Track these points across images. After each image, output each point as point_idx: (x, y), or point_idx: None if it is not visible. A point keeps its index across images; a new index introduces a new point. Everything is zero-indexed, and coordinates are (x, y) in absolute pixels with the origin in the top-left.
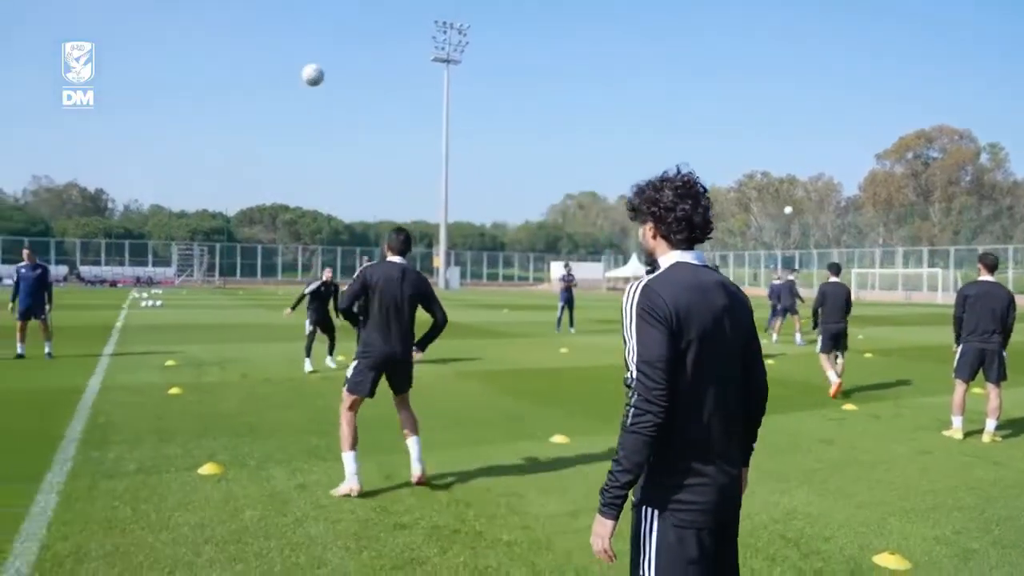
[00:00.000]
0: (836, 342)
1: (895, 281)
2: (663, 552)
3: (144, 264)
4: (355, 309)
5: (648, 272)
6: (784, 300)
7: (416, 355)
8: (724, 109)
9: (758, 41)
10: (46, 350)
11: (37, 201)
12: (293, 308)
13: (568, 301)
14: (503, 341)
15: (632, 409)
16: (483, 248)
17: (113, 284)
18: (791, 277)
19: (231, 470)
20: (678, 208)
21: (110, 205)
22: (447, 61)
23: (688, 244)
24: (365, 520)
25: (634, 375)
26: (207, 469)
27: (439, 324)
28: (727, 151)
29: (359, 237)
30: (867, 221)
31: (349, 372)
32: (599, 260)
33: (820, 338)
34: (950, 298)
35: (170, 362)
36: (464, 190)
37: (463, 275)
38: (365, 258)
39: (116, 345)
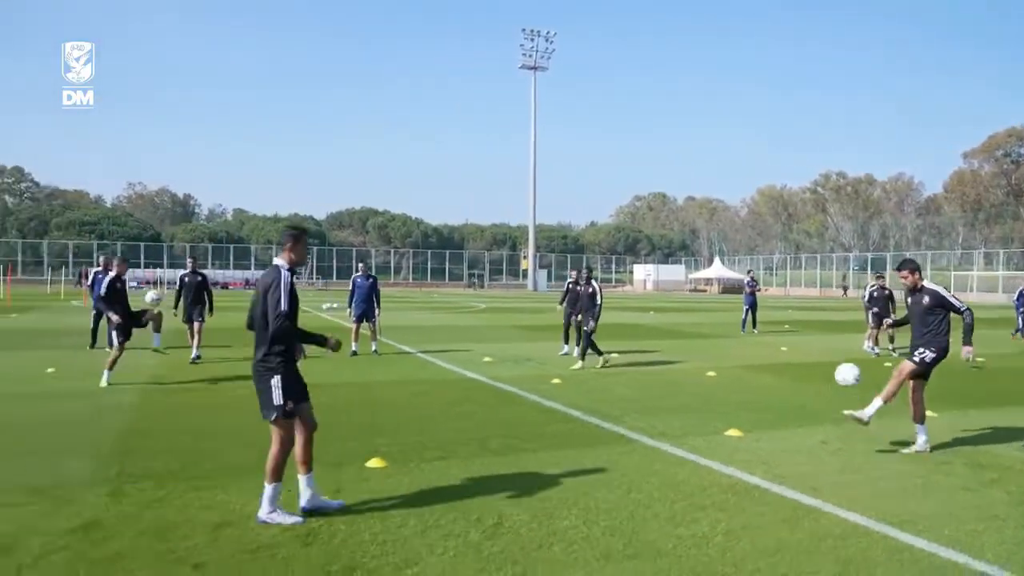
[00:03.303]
0: None
1: (995, 283)
2: None
3: (247, 267)
4: None
5: None
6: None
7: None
8: (797, 109)
9: (833, 39)
10: (373, 348)
11: (131, 206)
12: (561, 303)
13: (752, 304)
14: (713, 341)
15: None
16: (565, 250)
17: (225, 286)
18: None
19: (750, 433)
20: None
21: (196, 209)
22: (534, 68)
23: None
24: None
25: None
26: (732, 432)
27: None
28: (801, 151)
29: (446, 240)
30: (948, 221)
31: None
32: (679, 262)
33: None
34: None
35: (487, 359)
36: (526, 192)
37: (548, 277)
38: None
39: (406, 345)
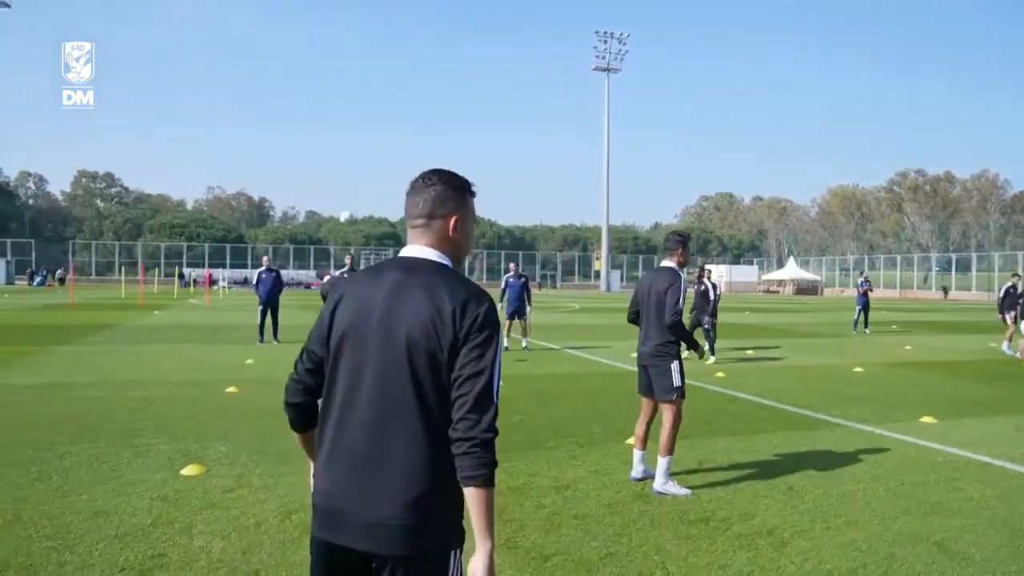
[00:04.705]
0: None
1: None
2: None
3: (326, 268)
4: None
5: None
6: None
7: None
8: (873, 104)
9: (906, 33)
10: (524, 344)
11: (211, 209)
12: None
13: (865, 305)
14: (831, 340)
15: None
16: (636, 251)
17: (307, 287)
18: None
19: (943, 421)
20: None
21: (271, 212)
22: (607, 70)
23: None
24: None
25: None
26: (927, 419)
27: None
28: (876, 149)
29: (518, 241)
30: None
31: None
32: (750, 263)
33: None
34: None
35: (635, 354)
36: (591, 192)
37: (620, 278)
38: (512, 264)
39: (546, 342)
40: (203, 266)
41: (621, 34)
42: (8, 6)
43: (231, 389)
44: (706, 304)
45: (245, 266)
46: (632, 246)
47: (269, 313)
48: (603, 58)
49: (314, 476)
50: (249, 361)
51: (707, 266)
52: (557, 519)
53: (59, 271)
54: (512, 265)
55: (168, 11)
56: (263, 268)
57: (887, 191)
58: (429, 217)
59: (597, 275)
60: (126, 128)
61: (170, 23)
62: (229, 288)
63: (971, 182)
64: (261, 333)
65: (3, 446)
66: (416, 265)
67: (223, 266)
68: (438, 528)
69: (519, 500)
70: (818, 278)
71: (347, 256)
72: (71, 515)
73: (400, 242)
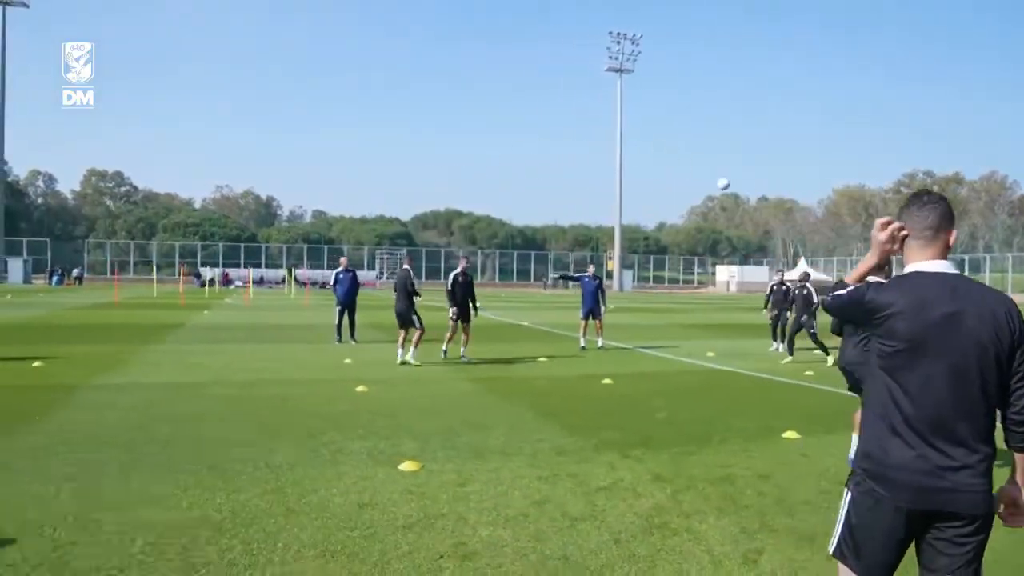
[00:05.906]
0: None
1: None
2: None
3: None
4: None
5: None
6: None
7: None
8: (879, 105)
9: (912, 32)
10: (599, 344)
11: (218, 208)
12: (766, 306)
13: None
14: None
15: None
16: (647, 251)
17: (323, 286)
18: None
19: None
20: None
21: (278, 211)
22: (620, 71)
23: None
24: None
25: None
26: None
27: None
28: (881, 150)
29: (529, 241)
30: None
31: None
32: (759, 263)
33: None
34: None
35: (710, 353)
36: (601, 192)
37: (632, 279)
38: (591, 266)
39: (616, 342)
40: (217, 265)
41: (634, 35)
42: (26, 6)
43: (361, 388)
44: (808, 306)
45: (259, 265)
46: (643, 246)
47: (346, 313)
48: (616, 59)
49: (873, 452)
50: (347, 361)
51: (785, 272)
52: (785, 505)
53: (75, 270)
54: (591, 267)
55: (168, 11)
56: (341, 269)
57: (895, 192)
58: (936, 230)
59: (610, 275)
60: (129, 127)
61: (170, 23)
62: (250, 287)
63: (979, 183)
64: (339, 333)
65: (199, 441)
66: (956, 280)
67: (237, 265)
68: (992, 492)
69: (731, 490)
70: (830, 278)
71: (464, 260)
72: (343, 507)
73: (412, 241)
